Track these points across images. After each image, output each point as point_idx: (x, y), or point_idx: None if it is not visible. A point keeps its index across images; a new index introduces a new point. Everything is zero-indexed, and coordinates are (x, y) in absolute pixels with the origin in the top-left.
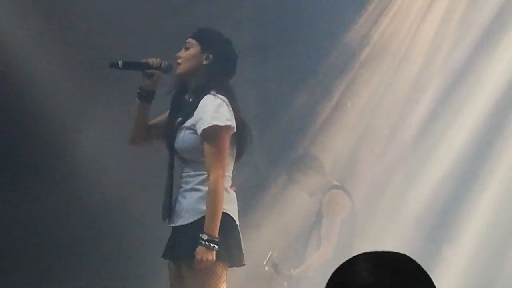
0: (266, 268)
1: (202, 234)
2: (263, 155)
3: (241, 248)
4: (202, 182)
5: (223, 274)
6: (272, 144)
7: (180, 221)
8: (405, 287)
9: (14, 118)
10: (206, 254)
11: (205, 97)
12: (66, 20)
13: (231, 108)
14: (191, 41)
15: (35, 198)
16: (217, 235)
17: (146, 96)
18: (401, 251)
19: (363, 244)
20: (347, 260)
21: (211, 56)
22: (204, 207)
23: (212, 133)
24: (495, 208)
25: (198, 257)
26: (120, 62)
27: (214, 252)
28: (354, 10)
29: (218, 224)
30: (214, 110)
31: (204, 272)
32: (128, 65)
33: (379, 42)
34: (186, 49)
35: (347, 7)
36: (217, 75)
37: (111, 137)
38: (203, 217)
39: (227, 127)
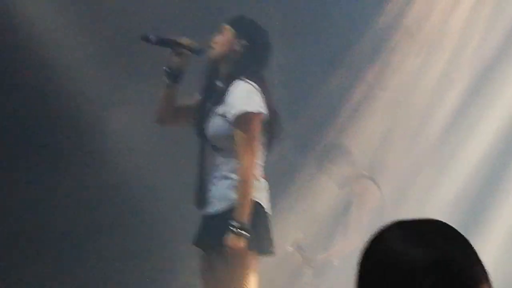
0: (291, 249)
1: (232, 221)
2: (291, 143)
3: (271, 237)
4: (233, 170)
5: (253, 262)
6: (300, 132)
7: (211, 209)
8: (440, 251)
9: (38, 94)
10: (238, 242)
11: (236, 82)
12: None
13: (263, 95)
14: (227, 26)
15: (58, 178)
16: (247, 223)
17: (174, 76)
18: None
19: None
20: (379, 228)
21: (245, 42)
22: (234, 195)
23: (244, 120)
24: None
25: (230, 244)
26: (152, 37)
27: (245, 239)
28: None
29: (248, 211)
30: (245, 96)
31: (235, 260)
32: (160, 41)
33: (410, 27)
34: (221, 33)
35: None
36: (250, 63)
37: (142, 118)
38: (233, 205)
39: (259, 114)
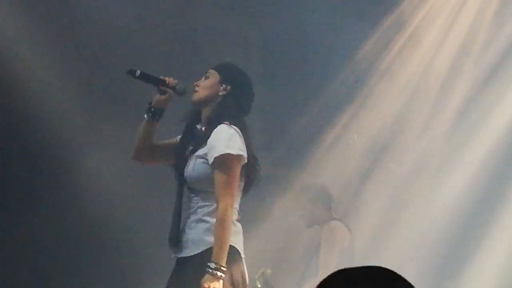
0: (257, 283)
1: (209, 262)
2: (267, 183)
3: (246, 281)
4: (209, 214)
5: None
6: (276, 172)
7: (186, 252)
8: None
9: (15, 130)
10: (213, 283)
11: (219, 126)
12: (75, 31)
13: (243, 140)
14: (212, 71)
15: (35, 214)
16: (224, 264)
17: (154, 113)
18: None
19: None
20: (323, 279)
21: (229, 87)
22: (210, 239)
23: (224, 162)
24: None
25: (205, 285)
26: (138, 71)
27: (221, 281)
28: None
29: (226, 253)
30: (227, 139)
31: None
32: (144, 77)
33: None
34: (206, 78)
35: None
36: (232, 108)
37: (118, 158)
38: (209, 249)
39: (239, 157)
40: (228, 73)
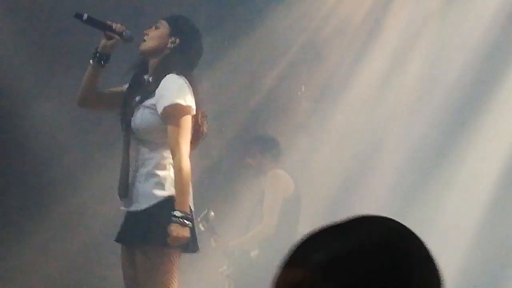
0: (200, 225)
1: (174, 211)
2: (217, 139)
3: (195, 234)
4: (158, 166)
5: (177, 260)
6: (226, 128)
7: (135, 206)
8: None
9: None
10: (181, 231)
11: (168, 75)
12: None
13: (191, 90)
14: (163, 22)
15: None
16: (189, 211)
17: (100, 58)
18: None
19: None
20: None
21: (178, 40)
22: (160, 193)
23: (175, 112)
24: None
25: (174, 234)
26: (85, 15)
27: (188, 228)
28: None
29: (189, 201)
30: (177, 89)
31: (157, 257)
32: (91, 21)
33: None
34: (156, 28)
35: None
36: (180, 61)
37: (65, 106)
38: (158, 203)
39: (190, 108)
40: (178, 26)
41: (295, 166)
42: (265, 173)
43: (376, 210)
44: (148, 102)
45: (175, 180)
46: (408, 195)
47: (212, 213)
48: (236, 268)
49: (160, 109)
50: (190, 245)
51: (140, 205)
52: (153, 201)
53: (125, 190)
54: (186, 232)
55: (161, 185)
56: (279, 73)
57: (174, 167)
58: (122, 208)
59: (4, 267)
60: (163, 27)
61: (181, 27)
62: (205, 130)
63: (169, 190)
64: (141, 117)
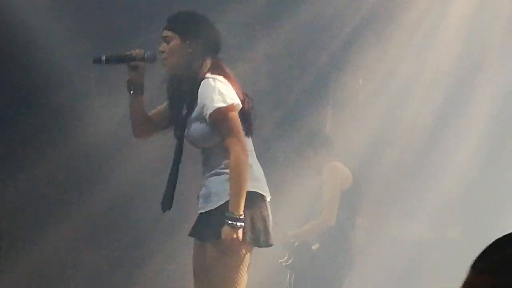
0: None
1: (227, 213)
2: (273, 129)
3: (268, 228)
4: (226, 165)
5: (248, 255)
6: (282, 118)
7: (210, 206)
8: None
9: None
10: (232, 233)
11: (202, 83)
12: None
13: (229, 85)
14: (168, 33)
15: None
16: (242, 213)
17: (135, 89)
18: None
19: (366, 223)
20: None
21: (194, 42)
22: (223, 189)
23: (219, 115)
24: None
25: (224, 237)
26: (103, 58)
27: (241, 230)
28: None
29: (243, 202)
30: (215, 93)
31: (228, 253)
32: (111, 60)
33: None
34: (167, 42)
35: None
36: (205, 58)
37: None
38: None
39: (232, 106)
40: (184, 27)
41: (352, 158)
42: (321, 167)
43: (434, 201)
44: (195, 113)
45: (230, 181)
46: (468, 188)
47: (268, 198)
48: (297, 260)
49: (206, 118)
50: (262, 240)
51: (214, 203)
52: (225, 199)
53: (170, 202)
54: (238, 234)
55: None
56: (338, 66)
57: (229, 168)
58: (198, 211)
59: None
60: (173, 38)
61: (186, 27)
62: (252, 112)
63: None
64: (195, 129)
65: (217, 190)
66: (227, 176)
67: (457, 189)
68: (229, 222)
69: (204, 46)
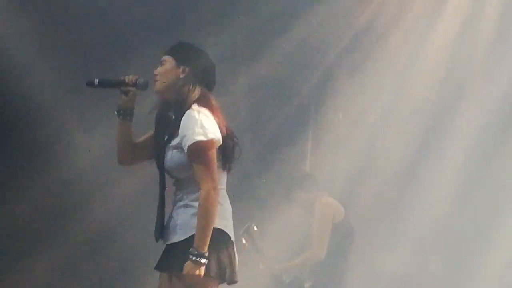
0: (243, 239)
1: (191, 249)
2: (254, 162)
3: (234, 265)
4: (195, 199)
5: None
6: (262, 152)
7: (174, 238)
8: None
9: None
10: (194, 270)
11: (186, 113)
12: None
13: (213, 120)
14: (165, 57)
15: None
16: (206, 251)
17: (124, 114)
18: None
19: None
20: None
21: (187, 68)
22: (188, 222)
23: (197, 149)
24: None
25: (186, 271)
26: (96, 80)
27: (203, 267)
28: None
29: (208, 239)
30: (196, 126)
31: (192, 286)
32: (104, 83)
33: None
34: (162, 65)
35: None
36: (195, 88)
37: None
38: (192, 235)
39: (212, 141)
40: (181, 53)
41: (332, 190)
42: (305, 201)
43: (415, 233)
44: (174, 142)
45: (198, 217)
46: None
47: (255, 227)
48: None
49: (185, 149)
50: (228, 276)
51: (179, 236)
52: (191, 232)
53: (161, 232)
54: (199, 271)
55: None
56: (318, 98)
57: (199, 204)
58: (163, 243)
59: None
60: (168, 62)
61: (185, 54)
62: (237, 153)
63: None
64: (172, 157)
65: (183, 222)
66: (195, 210)
67: (439, 220)
68: (193, 258)
69: (197, 75)
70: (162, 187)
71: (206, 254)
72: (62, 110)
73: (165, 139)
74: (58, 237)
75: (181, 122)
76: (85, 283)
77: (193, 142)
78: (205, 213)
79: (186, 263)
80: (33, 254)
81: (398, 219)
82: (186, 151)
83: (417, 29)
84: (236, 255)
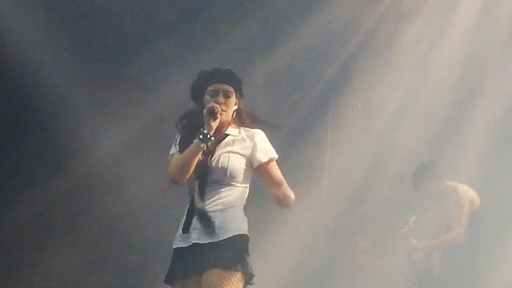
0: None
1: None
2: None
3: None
4: (234, 203)
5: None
6: (282, 144)
7: (212, 239)
8: None
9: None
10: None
11: (258, 131)
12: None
13: None
14: (230, 89)
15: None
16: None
17: (209, 139)
18: None
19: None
20: None
21: (241, 100)
22: (228, 225)
23: (274, 163)
24: None
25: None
26: (211, 136)
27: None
28: None
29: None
30: (269, 145)
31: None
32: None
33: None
34: (227, 96)
35: None
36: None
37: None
38: (234, 236)
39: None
40: (239, 87)
41: (353, 181)
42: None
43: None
44: (238, 149)
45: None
46: None
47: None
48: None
49: (261, 159)
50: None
51: (218, 236)
52: (231, 234)
53: (189, 227)
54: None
55: (237, 223)
56: (336, 90)
57: (287, 204)
58: (192, 241)
59: None
60: (233, 94)
61: (240, 86)
62: None
63: (242, 227)
64: (230, 161)
65: (222, 225)
66: (234, 215)
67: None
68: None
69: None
70: (202, 190)
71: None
72: (78, 105)
73: (222, 144)
74: (74, 232)
75: (255, 137)
76: (104, 279)
77: (273, 157)
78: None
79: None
80: (48, 250)
81: (417, 209)
82: (262, 161)
83: (434, 21)
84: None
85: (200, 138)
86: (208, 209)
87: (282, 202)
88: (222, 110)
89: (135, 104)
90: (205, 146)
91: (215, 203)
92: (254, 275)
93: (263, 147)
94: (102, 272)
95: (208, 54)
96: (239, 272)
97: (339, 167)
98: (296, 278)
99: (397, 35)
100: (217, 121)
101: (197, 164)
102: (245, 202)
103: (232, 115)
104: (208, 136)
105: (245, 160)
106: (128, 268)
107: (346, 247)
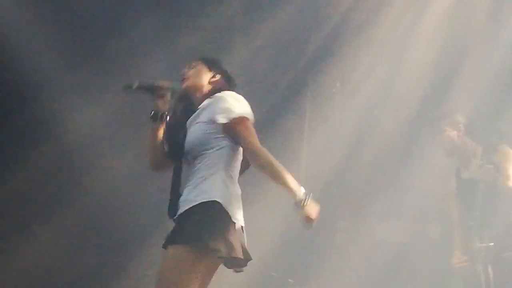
0: None
1: (295, 203)
2: None
3: (234, 247)
4: (203, 175)
5: (196, 263)
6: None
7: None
8: None
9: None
10: (311, 209)
11: (220, 94)
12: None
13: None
14: (197, 61)
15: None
16: (302, 192)
17: (161, 117)
18: None
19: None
20: None
21: (218, 75)
22: (198, 198)
23: (242, 122)
24: None
25: (308, 213)
26: (134, 84)
27: (316, 204)
28: None
29: (292, 183)
30: (237, 102)
31: (175, 257)
32: (141, 87)
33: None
34: (193, 67)
35: None
36: (225, 88)
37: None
38: (194, 206)
39: (250, 120)
40: (213, 62)
41: (330, 160)
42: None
43: (415, 201)
44: (203, 118)
45: (271, 178)
46: None
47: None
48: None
49: (220, 121)
50: (228, 259)
51: (180, 211)
52: (190, 205)
53: (175, 211)
54: (314, 208)
55: (203, 191)
56: (314, 69)
57: (260, 168)
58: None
59: None
60: (200, 65)
61: (216, 63)
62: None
63: (208, 195)
64: (194, 132)
65: (186, 198)
66: (201, 187)
67: (437, 189)
68: (302, 203)
69: (227, 83)
70: (178, 172)
71: (304, 193)
72: (58, 84)
73: (189, 120)
74: (58, 210)
75: (216, 98)
76: (86, 257)
77: (238, 116)
78: (268, 168)
79: (304, 211)
80: (34, 227)
81: (396, 187)
82: (222, 122)
83: (413, 1)
84: (244, 240)
85: (150, 119)
86: (185, 188)
87: (252, 163)
88: (184, 78)
89: (117, 81)
90: (157, 123)
91: (188, 179)
92: (218, 249)
93: (223, 107)
94: (87, 247)
95: (188, 34)
96: (188, 246)
97: (317, 146)
98: (274, 259)
99: (376, 14)
100: (163, 97)
101: (171, 143)
102: (231, 165)
103: (203, 87)
104: (155, 114)
105: (210, 125)
106: (113, 245)
107: (324, 227)
